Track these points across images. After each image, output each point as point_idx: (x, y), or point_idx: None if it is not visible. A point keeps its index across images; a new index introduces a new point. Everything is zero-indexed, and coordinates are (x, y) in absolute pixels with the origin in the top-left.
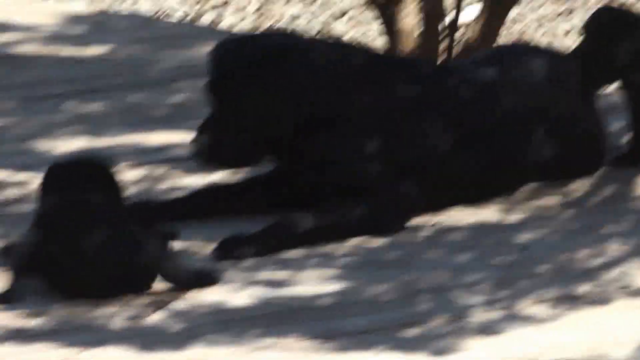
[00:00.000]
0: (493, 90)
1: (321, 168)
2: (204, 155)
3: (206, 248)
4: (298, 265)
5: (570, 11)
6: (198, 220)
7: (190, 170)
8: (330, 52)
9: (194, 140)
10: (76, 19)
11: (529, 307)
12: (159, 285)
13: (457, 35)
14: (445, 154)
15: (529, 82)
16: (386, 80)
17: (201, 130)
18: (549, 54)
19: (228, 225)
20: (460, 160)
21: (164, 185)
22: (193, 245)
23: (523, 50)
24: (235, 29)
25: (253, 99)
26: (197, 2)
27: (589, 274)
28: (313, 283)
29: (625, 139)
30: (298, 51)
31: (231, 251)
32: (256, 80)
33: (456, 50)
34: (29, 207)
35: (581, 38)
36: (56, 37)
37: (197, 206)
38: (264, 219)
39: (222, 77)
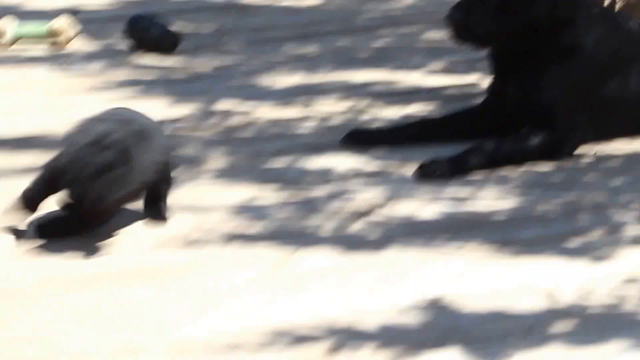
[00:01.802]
0: None
1: (528, 84)
2: (456, 30)
3: (402, 168)
4: (479, 184)
5: None
6: (402, 146)
7: (390, 104)
8: None
9: (449, 16)
10: None
11: None
12: (361, 198)
13: None
14: (617, 94)
15: None
16: (614, 25)
17: (458, 7)
18: None
19: (426, 150)
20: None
21: (366, 117)
22: (391, 165)
23: None
24: None
25: None
26: None
27: None
28: (491, 200)
29: None
30: None
31: (429, 172)
32: None
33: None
34: (251, 132)
35: None
36: None
37: (404, 133)
38: (461, 147)
39: None
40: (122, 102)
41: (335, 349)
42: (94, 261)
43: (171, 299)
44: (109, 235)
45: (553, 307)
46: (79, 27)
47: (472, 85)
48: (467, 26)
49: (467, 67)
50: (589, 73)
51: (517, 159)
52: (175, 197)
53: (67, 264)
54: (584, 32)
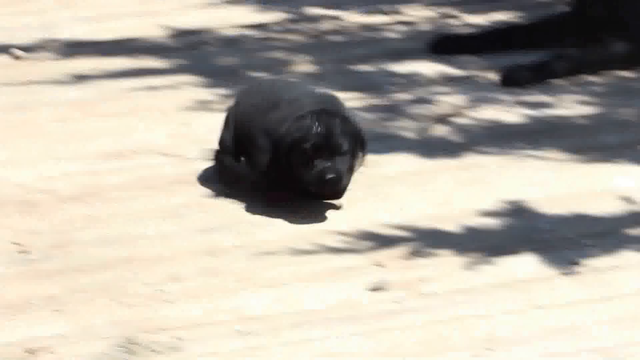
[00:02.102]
0: None
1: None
2: None
3: (487, 74)
4: (561, 90)
5: None
6: (487, 53)
7: (477, 11)
8: None
9: None
10: None
11: None
12: (445, 102)
13: None
14: None
15: None
16: None
17: None
18: None
19: (511, 56)
20: None
21: (454, 23)
22: (476, 71)
23: None
24: None
25: None
26: None
27: None
28: (572, 106)
29: None
30: None
31: (514, 78)
32: None
33: None
34: (340, 38)
35: None
36: None
37: (490, 40)
38: (543, 54)
39: None
40: (215, 8)
41: (416, 251)
42: None
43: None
44: None
45: (630, 211)
46: None
47: None
48: None
49: None
50: None
51: (600, 66)
52: None
53: None
54: None
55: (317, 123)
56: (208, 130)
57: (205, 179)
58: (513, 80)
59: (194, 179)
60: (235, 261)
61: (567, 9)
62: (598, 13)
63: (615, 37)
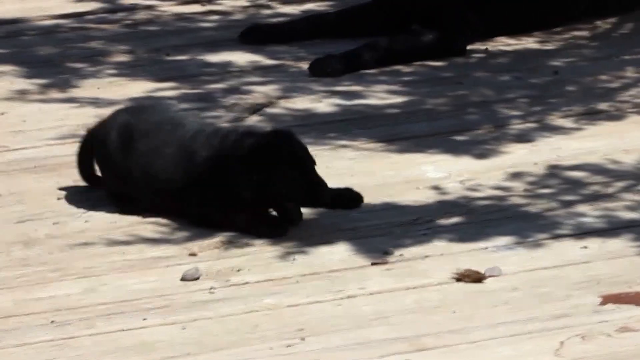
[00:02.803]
0: None
1: None
2: None
3: (298, 63)
4: (371, 80)
5: None
6: (299, 42)
7: (288, 2)
8: None
9: None
10: None
11: (557, 119)
12: (258, 92)
13: None
14: None
15: None
16: None
17: None
18: None
19: (321, 46)
20: None
21: (266, 12)
22: (287, 60)
23: None
24: None
25: None
26: None
27: (609, 94)
28: (383, 95)
29: None
30: None
31: (322, 67)
32: None
33: None
34: (154, 27)
35: None
36: None
37: (300, 30)
38: (354, 44)
39: None
40: None
41: (230, 242)
42: None
43: None
44: None
45: (440, 200)
46: None
47: None
48: None
49: None
50: None
51: (409, 56)
52: (77, 91)
53: None
54: None
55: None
56: (24, 120)
57: (20, 169)
58: (322, 71)
59: (10, 168)
60: (49, 252)
61: None
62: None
63: (424, 26)
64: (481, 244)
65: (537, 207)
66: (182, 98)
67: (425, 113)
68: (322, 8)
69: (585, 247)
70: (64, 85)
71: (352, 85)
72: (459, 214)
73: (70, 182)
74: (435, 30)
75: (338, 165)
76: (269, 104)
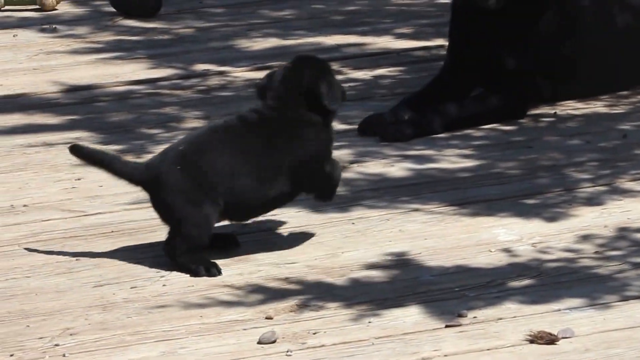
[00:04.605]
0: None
1: (487, 47)
2: None
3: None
4: (442, 144)
5: None
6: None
7: (360, 67)
8: None
9: None
10: None
11: (626, 182)
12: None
13: None
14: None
15: None
16: None
17: None
18: None
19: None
20: (582, 61)
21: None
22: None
23: None
24: None
25: None
26: None
27: None
28: (454, 159)
29: None
30: None
31: (393, 134)
32: None
33: None
34: (227, 93)
35: None
36: None
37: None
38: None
39: None
40: (107, 64)
41: (304, 304)
42: None
43: None
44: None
45: (512, 262)
46: None
47: (439, 47)
48: None
49: (434, 31)
50: (547, 34)
51: (476, 121)
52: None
53: None
54: None
55: None
56: (100, 185)
57: (97, 234)
58: (393, 137)
59: (87, 233)
60: (127, 315)
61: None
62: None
63: (490, 91)
64: (553, 306)
65: (607, 269)
66: None
67: (496, 177)
68: (393, 73)
69: None
70: (139, 151)
71: (423, 149)
72: (531, 276)
73: (146, 246)
74: (501, 95)
75: (411, 228)
76: (343, 168)
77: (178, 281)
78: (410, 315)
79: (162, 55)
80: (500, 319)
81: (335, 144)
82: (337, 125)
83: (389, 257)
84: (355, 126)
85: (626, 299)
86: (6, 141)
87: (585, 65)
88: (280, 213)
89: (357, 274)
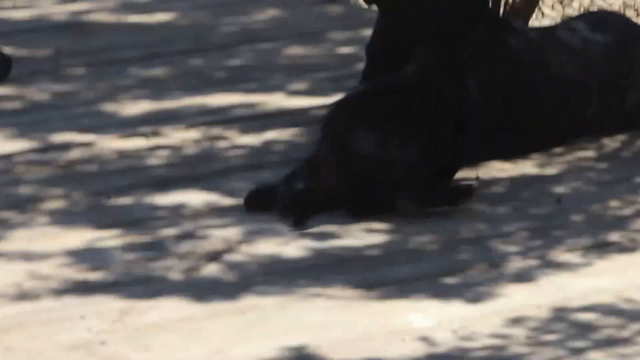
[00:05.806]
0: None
1: None
2: None
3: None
4: (347, 219)
5: None
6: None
7: (248, 131)
8: None
9: None
10: None
11: (562, 255)
12: (214, 237)
13: None
14: (491, 111)
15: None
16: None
17: None
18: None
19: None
20: (506, 118)
21: (223, 144)
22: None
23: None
24: None
25: None
26: None
27: (620, 223)
28: (360, 235)
29: None
30: None
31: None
32: None
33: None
34: (93, 168)
35: None
36: (123, 6)
37: None
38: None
39: None
40: None
41: None
42: None
43: None
44: None
45: (430, 353)
46: None
47: None
48: None
49: (334, 86)
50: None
51: None
52: (5, 244)
53: None
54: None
55: None
56: None
57: None
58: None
59: None
60: None
61: None
62: None
63: None
64: None
65: (542, 356)
66: (126, 247)
67: (409, 253)
68: (286, 137)
69: None
70: None
71: (323, 224)
72: None
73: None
74: None
75: (311, 317)
76: (229, 249)
77: None
78: None
79: (14, 125)
80: None
81: (219, 222)
82: (220, 201)
83: (286, 352)
84: (242, 200)
85: None
86: None
87: (511, 119)
88: (153, 304)
89: None
